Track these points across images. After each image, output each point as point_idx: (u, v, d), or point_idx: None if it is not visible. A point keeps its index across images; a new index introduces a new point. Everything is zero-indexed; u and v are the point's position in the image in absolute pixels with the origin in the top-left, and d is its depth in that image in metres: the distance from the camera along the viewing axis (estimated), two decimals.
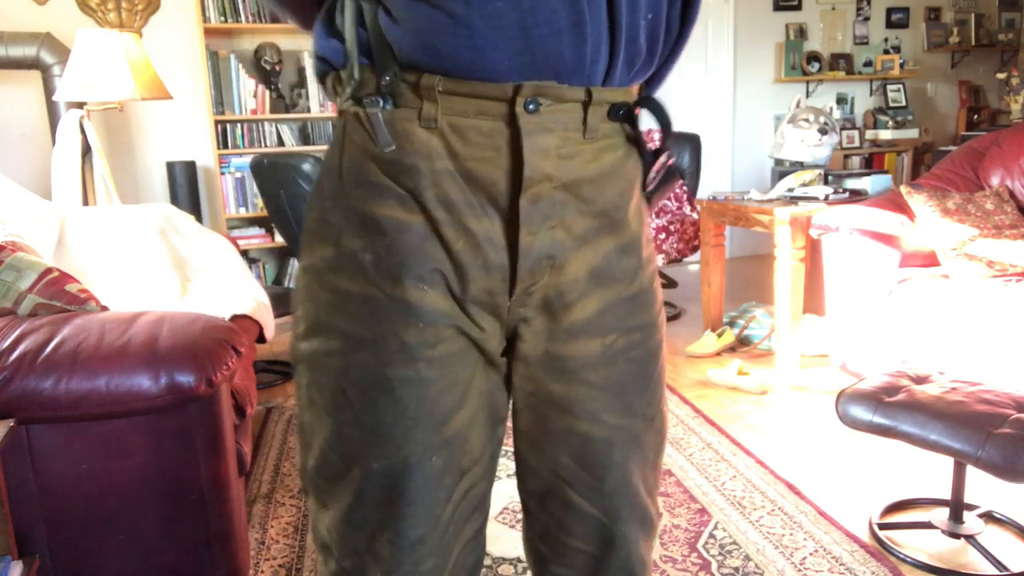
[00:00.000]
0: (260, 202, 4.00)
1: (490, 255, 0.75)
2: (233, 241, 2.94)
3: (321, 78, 0.79)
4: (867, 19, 5.55)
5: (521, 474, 0.91)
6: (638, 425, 0.87)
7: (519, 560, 1.84)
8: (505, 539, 1.94)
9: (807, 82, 5.45)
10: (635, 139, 0.82)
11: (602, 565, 0.90)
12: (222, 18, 3.97)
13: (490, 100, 0.71)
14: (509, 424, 0.89)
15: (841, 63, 5.46)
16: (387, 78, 0.71)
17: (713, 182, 5.34)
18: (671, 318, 4.01)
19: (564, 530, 0.89)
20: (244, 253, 4.03)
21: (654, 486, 0.93)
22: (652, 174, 0.84)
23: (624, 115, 0.78)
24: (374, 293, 0.75)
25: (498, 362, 0.83)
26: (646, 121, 0.83)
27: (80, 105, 3.12)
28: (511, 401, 0.88)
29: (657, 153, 0.84)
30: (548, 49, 0.69)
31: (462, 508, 0.84)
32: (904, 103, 5.65)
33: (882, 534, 1.90)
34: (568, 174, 0.75)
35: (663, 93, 0.83)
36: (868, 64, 5.52)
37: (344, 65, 0.75)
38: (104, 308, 1.66)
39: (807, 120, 3.46)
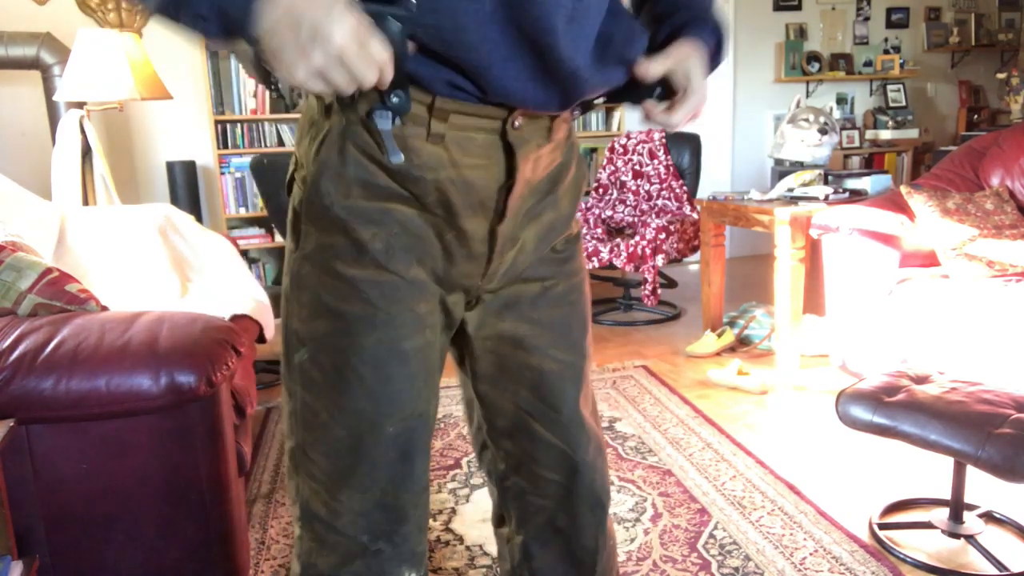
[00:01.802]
0: (260, 202, 4.00)
1: (475, 247, 0.88)
2: (233, 241, 2.94)
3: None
4: (867, 19, 5.55)
5: (489, 418, 1.04)
6: (583, 363, 1.03)
7: None
8: None
9: (807, 82, 5.45)
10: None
11: (571, 493, 1.04)
12: None
13: (488, 119, 0.82)
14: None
15: (841, 63, 5.46)
16: (395, 99, 0.76)
17: (713, 182, 5.33)
18: (671, 318, 4.02)
19: (534, 460, 1.03)
20: (244, 253, 4.03)
21: (599, 419, 1.10)
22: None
23: (578, 113, 0.93)
24: (387, 277, 0.85)
25: (454, 326, 0.96)
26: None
27: (80, 105, 3.12)
28: (468, 354, 1.01)
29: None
30: (538, 95, 0.82)
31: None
32: (904, 103, 5.65)
33: (882, 534, 1.90)
34: (535, 174, 0.90)
35: None
36: (868, 64, 5.52)
37: None
38: (104, 308, 1.66)
39: (807, 120, 3.46)
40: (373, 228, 0.83)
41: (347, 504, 0.89)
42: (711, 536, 1.93)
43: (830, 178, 3.42)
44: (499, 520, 1.14)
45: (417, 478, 0.91)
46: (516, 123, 0.83)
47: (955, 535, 1.85)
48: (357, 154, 0.81)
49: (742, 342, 3.48)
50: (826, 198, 3.14)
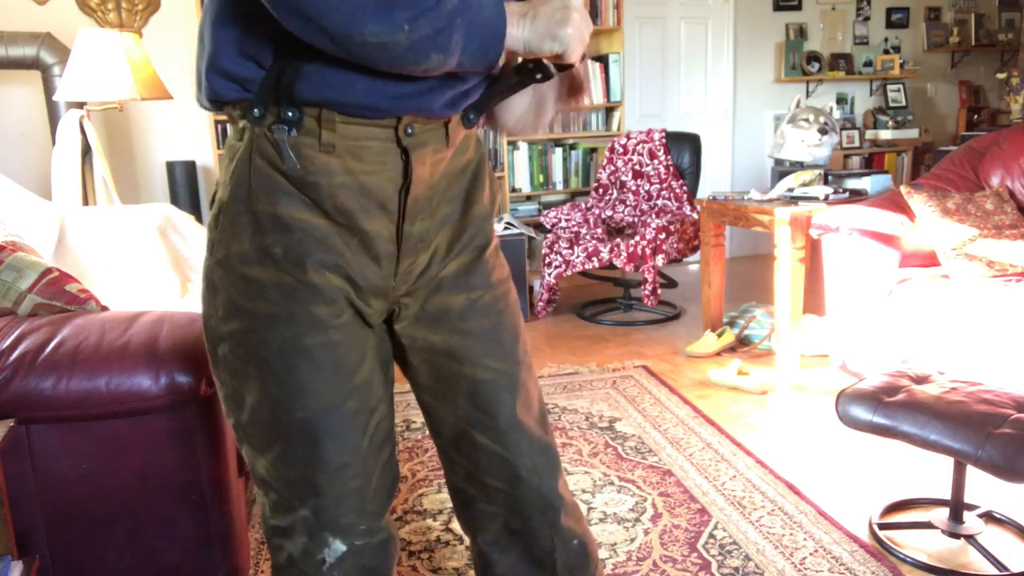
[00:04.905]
0: None
1: (379, 247, 0.94)
2: None
3: (217, 105, 0.93)
4: (867, 19, 5.55)
5: (434, 427, 1.10)
6: (519, 370, 1.07)
7: None
8: None
9: (807, 82, 5.45)
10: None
11: (518, 500, 1.08)
12: None
13: (378, 128, 0.89)
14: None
15: (841, 63, 5.46)
16: (289, 113, 0.86)
17: (713, 182, 5.34)
18: (671, 318, 4.02)
19: (479, 468, 1.08)
20: None
21: (547, 424, 1.13)
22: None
23: (473, 119, 0.99)
24: (285, 279, 0.91)
25: (380, 325, 1.02)
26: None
27: (80, 105, 3.12)
28: (409, 367, 1.06)
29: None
30: (421, 103, 0.89)
31: (375, 438, 1.03)
32: (904, 103, 5.65)
33: (882, 534, 1.90)
34: (435, 176, 0.96)
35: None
36: (868, 64, 5.52)
37: (242, 99, 0.88)
38: (104, 308, 1.66)
39: (807, 120, 3.46)
40: (275, 234, 0.90)
41: (282, 473, 0.99)
42: (711, 536, 1.93)
43: (830, 178, 3.42)
44: (465, 530, 1.18)
45: (328, 460, 0.98)
46: (409, 130, 0.90)
47: (955, 535, 1.85)
48: (263, 164, 0.89)
49: (742, 342, 3.48)
50: (826, 198, 3.14)
